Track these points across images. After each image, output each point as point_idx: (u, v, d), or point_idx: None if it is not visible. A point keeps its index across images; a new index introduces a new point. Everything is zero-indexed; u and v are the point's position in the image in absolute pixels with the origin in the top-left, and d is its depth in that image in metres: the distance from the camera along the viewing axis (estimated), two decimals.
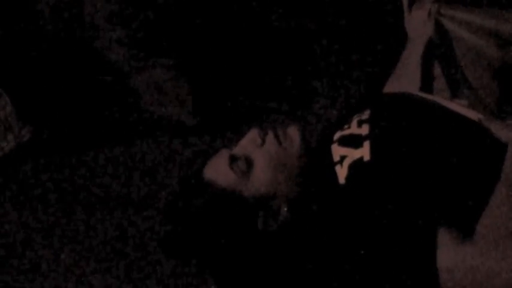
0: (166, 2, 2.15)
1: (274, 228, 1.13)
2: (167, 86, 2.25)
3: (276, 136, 1.18)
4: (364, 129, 1.13)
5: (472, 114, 1.14)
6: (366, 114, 1.17)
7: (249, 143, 1.19)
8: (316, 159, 1.18)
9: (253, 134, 1.19)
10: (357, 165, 1.07)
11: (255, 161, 1.16)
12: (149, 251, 1.87)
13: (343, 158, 1.11)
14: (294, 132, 1.20)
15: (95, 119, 2.29)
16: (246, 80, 2.28)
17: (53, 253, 1.98)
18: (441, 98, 1.26)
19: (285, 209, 1.13)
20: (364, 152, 1.08)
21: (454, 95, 1.62)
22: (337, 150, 1.13)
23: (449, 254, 0.92)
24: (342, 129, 1.18)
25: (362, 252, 0.98)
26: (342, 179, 1.08)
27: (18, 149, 2.24)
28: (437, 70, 1.65)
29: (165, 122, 2.31)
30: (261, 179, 1.14)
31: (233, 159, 1.16)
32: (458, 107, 1.18)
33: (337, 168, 1.10)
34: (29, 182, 2.20)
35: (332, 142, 1.16)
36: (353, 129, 1.15)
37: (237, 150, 1.19)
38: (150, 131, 2.30)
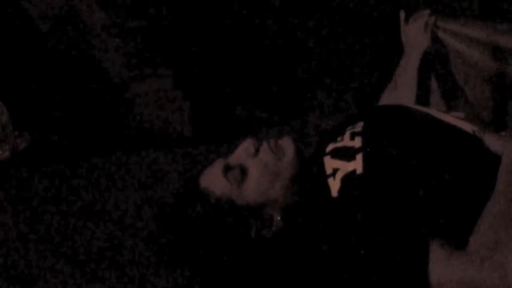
0: (164, 12, 2.15)
1: (268, 236, 1.13)
2: (164, 95, 2.25)
3: (270, 146, 1.18)
4: (357, 142, 1.13)
5: (467, 127, 1.14)
6: (359, 127, 1.17)
7: (243, 152, 1.19)
8: (309, 170, 1.18)
9: (247, 143, 1.20)
10: (349, 179, 1.07)
11: (249, 170, 1.16)
12: (144, 260, 1.87)
13: (335, 170, 1.10)
14: (286, 143, 1.20)
15: (92, 128, 2.29)
16: (242, 90, 2.28)
17: (48, 262, 1.97)
18: (436, 110, 1.26)
19: (278, 218, 1.14)
20: (356, 165, 1.08)
21: (450, 107, 1.62)
22: (329, 163, 1.13)
23: (441, 267, 0.92)
24: (334, 141, 1.18)
25: (354, 264, 0.98)
26: (334, 192, 1.08)
27: (14, 157, 2.24)
28: (433, 82, 1.66)
29: (162, 131, 2.31)
30: (254, 188, 1.15)
31: (228, 168, 1.17)
32: (453, 119, 1.18)
33: (330, 180, 1.10)
34: (25, 191, 2.20)
35: (325, 154, 1.16)
36: (346, 141, 1.15)
37: (232, 159, 1.20)
38: (146, 140, 2.30)
